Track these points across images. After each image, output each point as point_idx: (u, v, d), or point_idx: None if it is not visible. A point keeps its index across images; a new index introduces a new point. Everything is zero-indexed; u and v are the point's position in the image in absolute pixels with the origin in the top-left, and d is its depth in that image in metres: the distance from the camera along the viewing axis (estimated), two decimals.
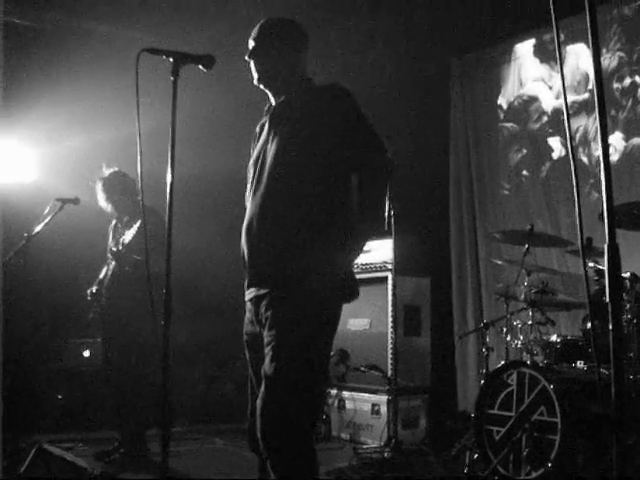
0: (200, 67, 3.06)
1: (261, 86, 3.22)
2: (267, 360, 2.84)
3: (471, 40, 7.50)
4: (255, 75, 3.18)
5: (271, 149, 3.07)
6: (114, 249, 5.57)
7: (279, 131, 3.08)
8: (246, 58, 3.18)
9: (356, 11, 6.82)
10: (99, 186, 5.77)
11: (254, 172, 3.14)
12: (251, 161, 3.23)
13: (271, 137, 3.10)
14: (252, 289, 3.05)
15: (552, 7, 2.05)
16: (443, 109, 8.02)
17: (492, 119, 7.62)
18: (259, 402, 2.81)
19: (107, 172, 5.80)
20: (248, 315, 3.10)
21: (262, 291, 2.97)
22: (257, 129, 3.31)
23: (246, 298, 3.10)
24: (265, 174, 3.04)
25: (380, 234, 6.10)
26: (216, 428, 7.15)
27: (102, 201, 5.78)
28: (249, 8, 3.22)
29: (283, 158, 3.01)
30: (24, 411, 6.39)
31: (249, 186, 3.17)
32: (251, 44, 3.19)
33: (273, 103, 3.24)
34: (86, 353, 7.56)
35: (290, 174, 2.98)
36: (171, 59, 2.95)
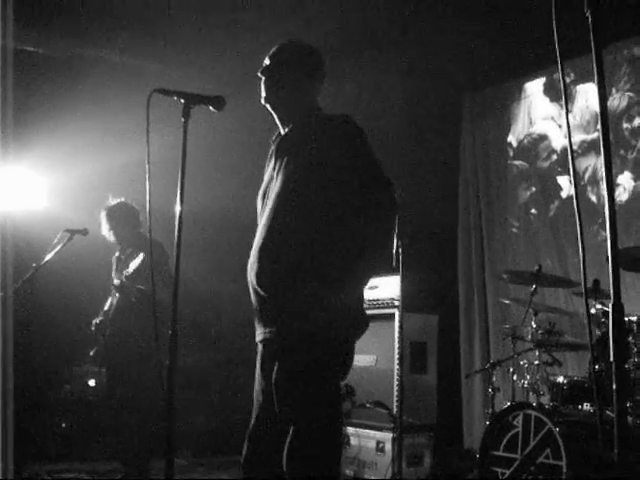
0: (211, 108, 3.08)
1: (267, 106, 3.20)
2: (284, 408, 2.87)
3: (482, 78, 7.54)
4: (263, 94, 3.18)
5: (274, 185, 3.06)
6: (117, 282, 5.58)
7: (283, 166, 3.06)
8: (258, 74, 3.19)
9: (368, 46, 6.86)
10: (103, 215, 5.81)
11: (261, 206, 3.15)
12: (259, 193, 3.22)
13: (275, 172, 3.10)
14: (259, 329, 3.05)
15: (557, 47, 2.06)
16: (453, 145, 8.05)
17: (502, 157, 7.64)
18: (287, 448, 2.83)
19: (112, 202, 5.84)
20: (259, 357, 3.11)
21: (267, 333, 2.97)
22: (268, 157, 3.29)
23: (257, 338, 3.10)
24: (267, 211, 3.04)
25: (387, 271, 6.09)
26: (221, 460, 7.11)
27: (105, 230, 5.81)
28: (265, 42, 3.25)
29: (284, 195, 2.99)
30: (28, 439, 6.37)
31: (258, 219, 3.18)
32: (266, 62, 3.20)
33: (280, 128, 3.23)
34: (91, 382, 7.54)
35: (290, 212, 2.96)
36: (182, 100, 2.98)
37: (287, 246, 2.94)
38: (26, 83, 6.24)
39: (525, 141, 7.43)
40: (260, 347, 3.10)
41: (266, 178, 3.20)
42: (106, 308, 5.81)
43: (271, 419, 2.94)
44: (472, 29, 6.49)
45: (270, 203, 3.04)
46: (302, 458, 2.81)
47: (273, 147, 3.20)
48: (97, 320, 5.80)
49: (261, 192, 3.21)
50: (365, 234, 2.90)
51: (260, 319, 3.03)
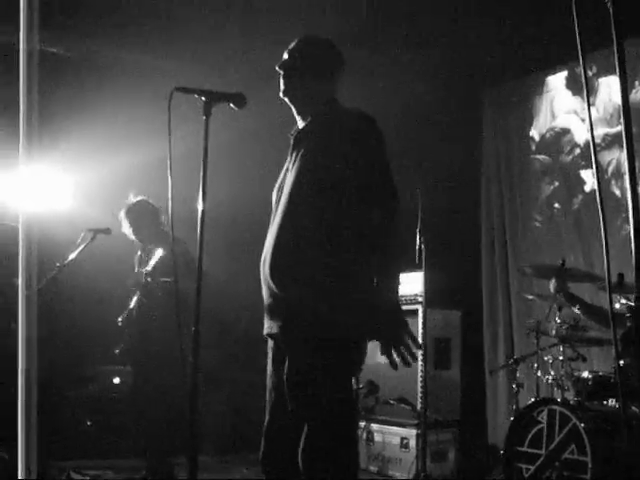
0: (232, 106, 3.08)
1: (286, 99, 3.22)
2: (296, 406, 2.87)
3: (504, 71, 7.49)
4: (282, 87, 3.19)
5: (289, 178, 3.06)
6: (142, 281, 5.61)
7: (297, 159, 3.06)
8: (276, 68, 3.20)
9: (386, 40, 6.83)
10: (123, 214, 5.82)
11: (276, 200, 3.15)
12: (275, 186, 3.23)
13: (291, 165, 3.10)
14: (266, 322, 3.05)
15: (579, 40, 2.04)
16: (475, 140, 8.02)
17: (524, 151, 7.59)
18: (302, 446, 2.83)
19: (133, 200, 5.85)
20: (270, 353, 3.10)
21: (274, 327, 2.97)
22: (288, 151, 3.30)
23: (264, 331, 3.10)
24: (281, 205, 3.04)
25: (410, 267, 6.09)
26: (244, 457, 7.12)
27: (126, 228, 5.83)
28: (283, 39, 3.26)
29: (297, 189, 2.99)
30: (53, 436, 6.41)
31: (272, 212, 3.19)
32: (285, 56, 3.21)
33: (298, 122, 3.23)
34: (116, 380, 7.58)
35: (302, 206, 2.96)
36: (203, 98, 2.99)
37: (300, 240, 2.93)
38: (49, 84, 6.27)
39: (547, 135, 7.37)
40: (270, 343, 3.10)
41: (282, 172, 3.21)
42: (131, 306, 5.83)
43: (285, 416, 2.94)
44: (493, 23, 6.45)
45: (284, 196, 3.04)
46: (317, 456, 2.81)
47: (291, 140, 3.20)
48: (122, 317, 5.83)
49: (277, 185, 3.21)
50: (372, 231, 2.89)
51: (269, 312, 3.03)
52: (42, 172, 6.49)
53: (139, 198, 5.88)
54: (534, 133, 7.51)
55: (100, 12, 6.45)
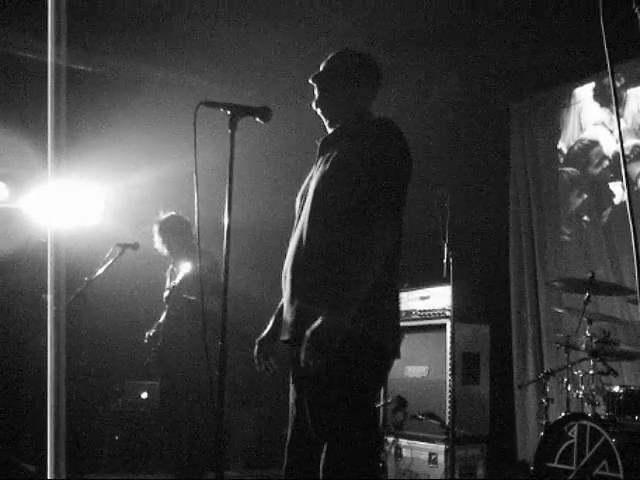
0: (257, 120, 3.08)
1: (318, 111, 3.21)
2: (318, 422, 2.84)
3: (530, 84, 7.46)
4: (315, 98, 3.18)
5: (312, 185, 3.04)
6: (165, 294, 5.64)
7: (322, 166, 3.04)
8: (310, 81, 3.19)
9: (415, 55, 6.83)
10: (155, 230, 5.87)
11: (299, 207, 3.14)
12: (299, 194, 3.21)
13: (315, 172, 3.09)
14: (284, 327, 3.02)
15: (606, 51, 2.02)
16: (502, 154, 7.98)
17: (552, 164, 7.54)
18: (322, 462, 2.80)
19: (164, 216, 5.90)
20: (292, 369, 3.08)
21: (290, 334, 2.95)
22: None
23: (282, 337, 3.07)
24: (303, 213, 3.03)
25: (438, 281, 6.06)
26: (272, 473, 7.11)
27: (158, 244, 5.89)
28: (312, 50, 3.27)
29: (320, 192, 2.97)
30: (81, 450, 6.44)
31: (295, 218, 3.16)
32: (320, 68, 3.21)
33: (328, 132, 3.22)
34: (144, 395, 7.60)
35: (324, 214, 2.93)
36: (228, 112, 2.99)
37: (319, 252, 2.90)
38: (77, 100, 6.33)
39: (576, 147, 7.32)
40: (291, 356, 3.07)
41: (306, 180, 3.20)
42: (161, 320, 5.86)
43: (306, 431, 2.90)
44: (519, 35, 6.44)
45: (308, 202, 3.02)
46: (337, 473, 2.76)
47: (318, 147, 3.18)
48: (150, 332, 5.86)
49: (301, 192, 3.19)
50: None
51: (288, 317, 3.00)
52: (70, 188, 6.56)
53: (170, 214, 5.93)
54: (562, 145, 7.46)
55: (125, 30, 6.52)
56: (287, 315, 2.99)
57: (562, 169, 7.43)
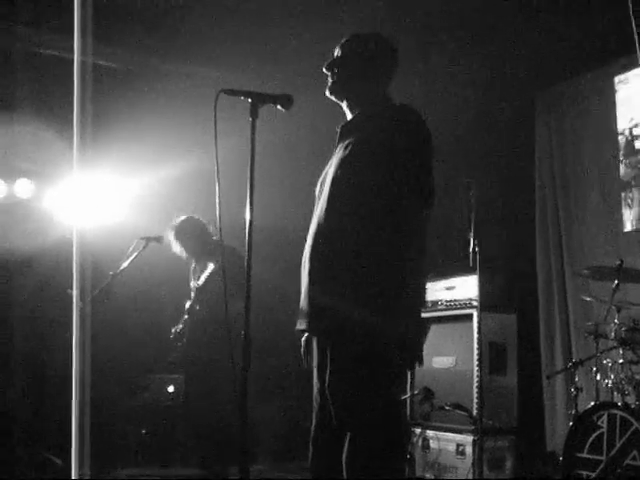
0: (279, 107, 3.05)
1: (332, 98, 3.17)
2: (339, 412, 2.82)
3: (557, 72, 7.36)
4: (328, 86, 3.15)
5: (330, 171, 3.01)
6: (187, 305, 5.66)
7: (340, 153, 3.00)
8: (323, 69, 3.16)
9: (439, 44, 6.77)
10: (172, 235, 5.84)
11: (318, 193, 3.10)
12: (319, 180, 3.18)
13: (334, 157, 3.05)
14: (300, 317, 3.00)
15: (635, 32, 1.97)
16: (528, 142, 7.89)
17: (579, 151, 7.43)
18: (345, 452, 2.77)
19: (179, 220, 5.87)
20: (315, 359, 3.05)
21: (306, 323, 2.94)
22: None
23: (298, 326, 3.04)
24: (321, 200, 2.99)
25: (464, 270, 6.01)
26: (298, 465, 7.09)
27: (176, 248, 5.86)
28: (329, 42, 3.23)
29: (339, 178, 2.93)
30: (107, 444, 6.46)
31: (315, 208, 3.12)
32: (334, 54, 3.17)
33: (347, 117, 3.18)
34: (170, 388, 7.61)
35: (342, 201, 2.90)
36: (249, 100, 2.96)
37: (340, 240, 2.86)
38: (103, 97, 6.35)
39: (605, 136, 7.19)
40: (315, 348, 3.04)
41: (328, 164, 3.16)
42: (187, 316, 5.85)
43: (330, 421, 2.88)
44: (546, 20, 6.35)
45: (326, 188, 2.99)
46: (359, 463, 2.75)
47: (337, 133, 3.15)
48: (177, 328, 5.86)
49: (321, 178, 3.15)
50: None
51: (305, 306, 2.97)
52: (95, 183, 6.58)
53: (184, 217, 5.90)
54: (590, 134, 7.34)
55: (149, 25, 6.53)
56: (304, 304, 2.96)
57: (590, 157, 7.32)
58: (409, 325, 2.77)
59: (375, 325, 2.71)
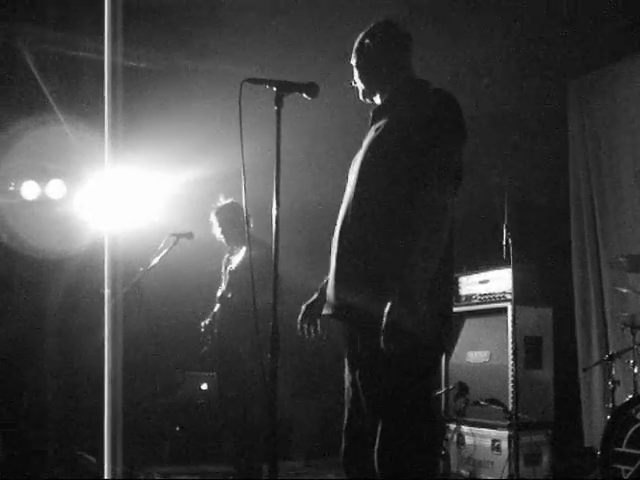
0: (304, 95, 3.02)
1: (367, 101, 3.16)
2: (371, 405, 2.79)
3: (590, 60, 7.25)
4: (356, 75, 3.14)
5: (361, 152, 2.96)
6: (219, 293, 5.65)
7: (371, 134, 2.96)
8: (351, 62, 3.15)
9: (469, 30, 6.69)
10: (213, 215, 5.84)
11: (350, 174, 3.05)
12: (353, 161, 3.12)
13: (365, 140, 3.01)
14: (328, 300, 2.96)
15: None
16: (562, 133, 7.79)
17: (613, 140, 7.31)
18: (376, 445, 2.73)
19: (222, 202, 5.86)
20: (346, 351, 3.00)
21: (336, 309, 2.90)
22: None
23: (325, 311, 3.01)
24: (351, 184, 2.95)
25: (497, 263, 5.95)
26: (332, 461, 7.07)
27: (215, 229, 5.86)
28: (352, 33, 3.21)
29: (367, 165, 2.89)
30: (142, 442, 6.48)
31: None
32: (357, 45, 3.16)
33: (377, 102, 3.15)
34: (204, 386, 7.63)
35: (372, 183, 2.86)
36: (274, 88, 2.93)
37: (368, 225, 2.82)
38: (135, 98, 6.37)
39: (638, 123, 7.08)
40: (346, 340, 2.99)
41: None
42: (216, 310, 5.84)
43: (362, 414, 2.85)
44: (579, 7, 6.25)
45: (355, 171, 2.95)
46: (390, 456, 2.71)
47: (370, 115, 3.11)
48: (206, 322, 5.85)
49: (354, 159, 3.09)
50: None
51: (333, 292, 2.92)
52: (126, 182, 6.60)
53: (228, 200, 5.89)
54: (625, 122, 7.22)
55: (174, 25, 6.53)
56: (331, 289, 2.92)
57: (625, 145, 7.20)
58: (433, 314, 2.72)
59: (403, 315, 2.65)
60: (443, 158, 2.75)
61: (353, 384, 2.92)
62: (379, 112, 3.04)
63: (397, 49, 3.10)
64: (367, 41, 3.11)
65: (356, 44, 3.16)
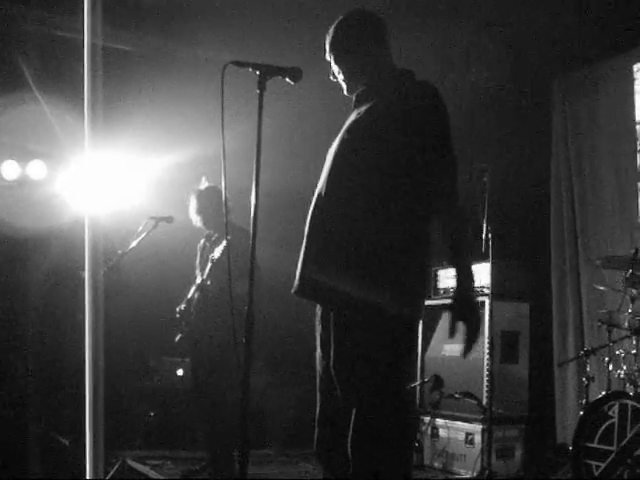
0: (287, 80, 3.00)
1: (339, 77, 3.13)
2: (345, 391, 2.78)
3: (575, 58, 7.26)
4: (333, 68, 3.12)
5: (335, 141, 2.95)
6: (198, 280, 5.60)
7: (352, 117, 2.95)
8: (326, 57, 3.13)
9: (457, 26, 6.69)
10: (193, 198, 5.74)
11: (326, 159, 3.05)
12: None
13: (346, 122, 2.99)
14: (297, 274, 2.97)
15: None
16: (545, 130, 7.81)
17: (596, 140, 7.34)
18: (350, 431, 2.73)
19: (203, 186, 5.76)
20: (318, 337, 3.00)
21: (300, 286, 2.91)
22: None
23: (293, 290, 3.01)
24: (327, 163, 2.94)
25: (477, 257, 5.95)
26: (307, 452, 7.07)
27: (193, 213, 5.74)
28: (335, 18, 3.20)
29: (343, 146, 2.89)
30: (116, 426, 6.45)
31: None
32: (329, 38, 3.12)
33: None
34: (179, 372, 7.61)
35: (345, 165, 2.86)
36: (257, 72, 2.91)
37: (342, 210, 2.83)
38: (116, 80, 6.32)
39: (622, 125, 7.10)
40: (318, 326, 2.98)
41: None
42: (189, 295, 5.79)
43: (335, 400, 2.84)
44: (566, 5, 6.26)
45: (332, 152, 2.94)
46: (363, 442, 2.70)
47: (354, 100, 3.08)
48: (181, 307, 5.79)
49: (333, 143, 3.08)
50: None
51: (308, 290, 2.93)
52: (106, 164, 6.54)
53: (209, 184, 5.79)
54: (607, 122, 7.24)
55: (156, 8, 6.49)
56: (299, 268, 2.93)
57: (606, 146, 7.22)
58: (405, 302, 2.77)
59: (370, 298, 2.68)
60: (430, 139, 2.78)
61: (325, 371, 2.90)
62: (362, 96, 3.02)
63: (372, 38, 3.06)
64: (340, 33, 3.08)
65: (329, 38, 3.12)
